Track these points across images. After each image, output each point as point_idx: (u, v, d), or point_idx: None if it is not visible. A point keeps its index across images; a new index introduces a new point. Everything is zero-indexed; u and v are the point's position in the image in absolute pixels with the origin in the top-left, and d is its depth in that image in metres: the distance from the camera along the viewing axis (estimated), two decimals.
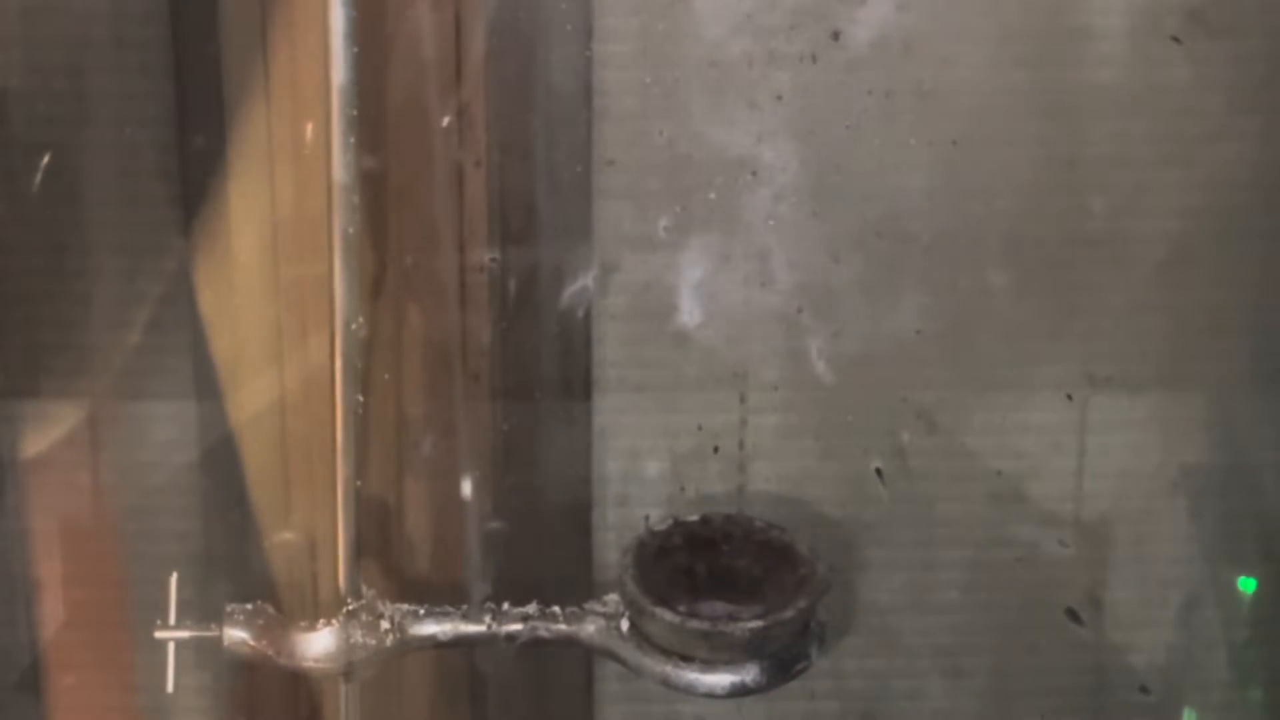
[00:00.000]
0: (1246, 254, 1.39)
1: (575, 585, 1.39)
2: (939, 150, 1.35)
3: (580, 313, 1.37)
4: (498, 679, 1.43)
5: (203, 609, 1.29)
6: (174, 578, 1.28)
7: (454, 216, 1.33)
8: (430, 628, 1.29)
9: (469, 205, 1.33)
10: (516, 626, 1.28)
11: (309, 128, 1.24)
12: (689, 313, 1.37)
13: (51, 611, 1.41)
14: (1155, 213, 1.37)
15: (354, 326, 1.22)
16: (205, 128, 1.30)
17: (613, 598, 1.29)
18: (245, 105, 1.28)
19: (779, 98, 1.33)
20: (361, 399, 1.24)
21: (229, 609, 1.28)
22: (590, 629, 1.29)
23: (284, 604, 1.30)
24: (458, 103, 1.31)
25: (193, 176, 1.32)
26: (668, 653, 1.26)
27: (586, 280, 1.37)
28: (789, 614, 1.25)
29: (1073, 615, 1.46)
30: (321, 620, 1.27)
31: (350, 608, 1.27)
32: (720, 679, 1.26)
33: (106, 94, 1.33)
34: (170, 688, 1.27)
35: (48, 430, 1.38)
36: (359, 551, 1.27)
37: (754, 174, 1.34)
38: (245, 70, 1.28)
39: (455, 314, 1.35)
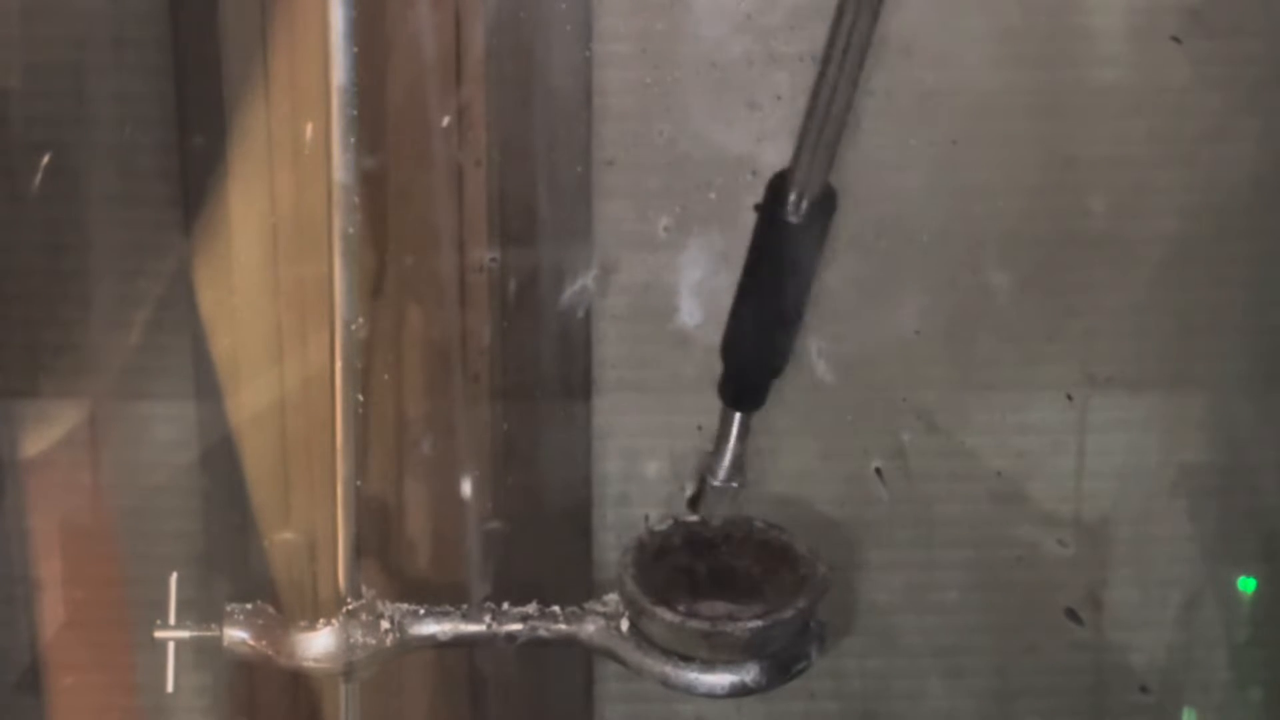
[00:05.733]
0: (1246, 254, 1.39)
1: (575, 585, 1.39)
2: (939, 150, 1.35)
3: (580, 313, 1.37)
4: (498, 679, 1.43)
5: (203, 609, 1.29)
6: (174, 578, 1.28)
7: (454, 216, 1.33)
8: (430, 627, 1.29)
9: (469, 205, 1.33)
10: (516, 626, 1.28)
11: (309, 128, 1.24)
12: (689, 313, 1.37)
13: (51, 611, 1.41)
14: (1155, 213, 1.37)
15: (354, 326, 1.21)
16: (205, 128, 1.30)
17: (613, 598, 1.29)
18: (245, 105, 1.28)
19: (779, 98, 1.33)
20: (361, 399, 1.24)
21: (229, 609, 1.27)
22: (590, 629, 1.28)
23: (284, 604, 1.30)
24: (458, 103, 1.31)
25: (193, 176, 1.32)
26: (668, 653, 1.26)
27: (586, 280, 1.37)
28: (789, 614, 1.25)
29: (1073, 615, 1.46)
30: (321, 620, 1.27)
31: (350, 607, 1.27)
32: (720, 679, 1.26)
33: (106, 94, 1.33)
34: (170, 688, 1.26)
35: (48, 430, 1.38)
36: (359, 551, 1.27)
37: (754, 174, 1.34)
38: (245, 70, 1.28)
39: (455, 314, 1.35)
